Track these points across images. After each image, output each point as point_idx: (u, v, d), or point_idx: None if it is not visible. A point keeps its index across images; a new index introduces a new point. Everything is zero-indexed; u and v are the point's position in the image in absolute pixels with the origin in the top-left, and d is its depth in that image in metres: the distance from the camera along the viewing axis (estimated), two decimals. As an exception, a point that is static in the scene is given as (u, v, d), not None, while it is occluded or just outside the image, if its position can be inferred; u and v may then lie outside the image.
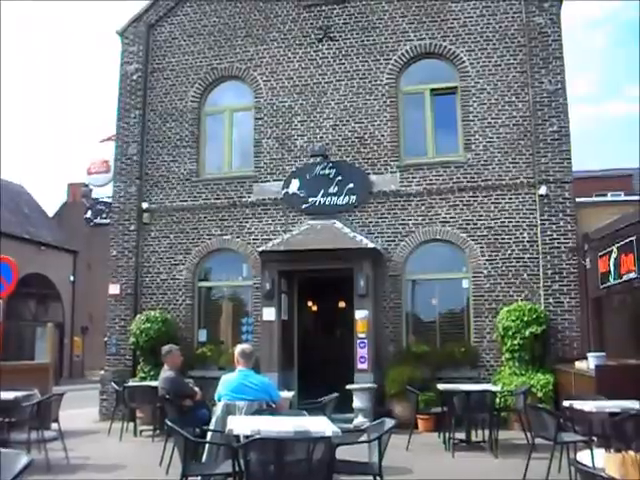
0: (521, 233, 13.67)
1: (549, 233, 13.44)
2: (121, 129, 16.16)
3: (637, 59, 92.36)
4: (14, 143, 79.88)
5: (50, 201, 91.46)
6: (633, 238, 11.17)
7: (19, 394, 9.69)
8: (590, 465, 4.55)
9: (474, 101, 14.28)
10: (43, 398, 9.68)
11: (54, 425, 9.77)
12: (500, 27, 14.40)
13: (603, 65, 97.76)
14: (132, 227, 15.66)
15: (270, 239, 14.58)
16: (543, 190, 13.49)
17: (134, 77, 16.26)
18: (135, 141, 15.96)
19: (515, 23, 14.33)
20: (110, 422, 12.77)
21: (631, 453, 3.99)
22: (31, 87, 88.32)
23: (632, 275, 11.25)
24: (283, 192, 14.85)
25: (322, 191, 14.58)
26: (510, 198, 13.81)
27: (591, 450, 6.57)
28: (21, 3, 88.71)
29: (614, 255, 12.09)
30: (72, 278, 36.25)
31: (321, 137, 14.93)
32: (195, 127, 15.79)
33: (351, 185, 14.46)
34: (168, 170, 15.77)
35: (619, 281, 11.90)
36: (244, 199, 15.18)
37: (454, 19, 14.65)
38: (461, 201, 14.05)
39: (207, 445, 7.14)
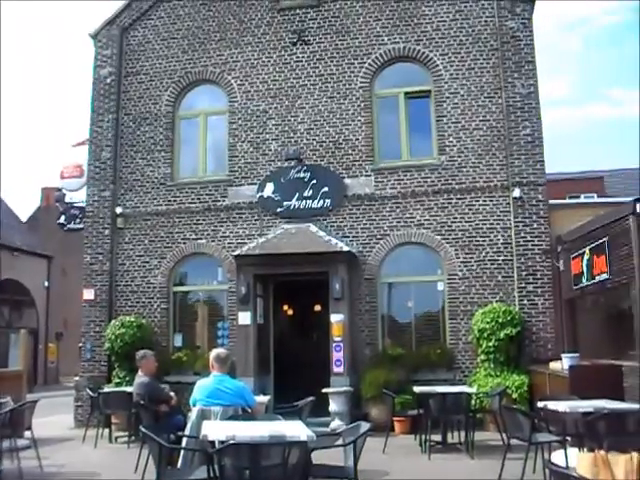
0: (495, 235, 13.75)
1: (523, 235, 13.54)
2: (95, 133, 16.04)
3: (615, 62, 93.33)
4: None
5: (23, 206, 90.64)
6: (605, 240, 11.27)
7: (-9, 402, 9.57)
8: (564, 465, 4.58)
9: (448, 104, 14.36)
10: (16, 406, 9.56)
11: (27, 433, 9.66)
12: (473, 31, 14.51)
13: (580, 68, 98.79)
14: (106, 232, 15.55)
15: (245, 243, 14.55)
16: (517, 193, 13.59)
17: (107, 81, 16.16)
18: (109, 145, 15.86)
19: (488, 27, 14.44)
20: (85, 429, 12.66)
21: (602, 453, 4.02)
22: (2, 90, 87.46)
23: (604, 276, 11.35)
24: (258, 196, 14.83)
25: (297, 195, 14.58)
26: (484, 201, 13.90)
27: (565, 450, 6.63)
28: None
29: (587, 257, 12.19)
30: (46, 283, 35.91)
31: (295, 141, 14.93)
32: (169, 131, 15.73)
33: (326, 189, 14.47)
34: (142, 174, 15.69)
35: (592, 282, 12.00)
36: (219, 203, 15.13)
37: (427, 23, 14.73)
38: (435, 204, 14.12)
39: (182, 451, 7.10)
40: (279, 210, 14.68)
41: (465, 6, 14.61)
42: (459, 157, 14.12)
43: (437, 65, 14.52)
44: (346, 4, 15.18)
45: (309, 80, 15.08)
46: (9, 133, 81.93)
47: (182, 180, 15.58)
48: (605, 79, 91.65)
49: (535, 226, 13.54)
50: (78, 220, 17.50)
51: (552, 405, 7.96)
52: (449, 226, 13.98)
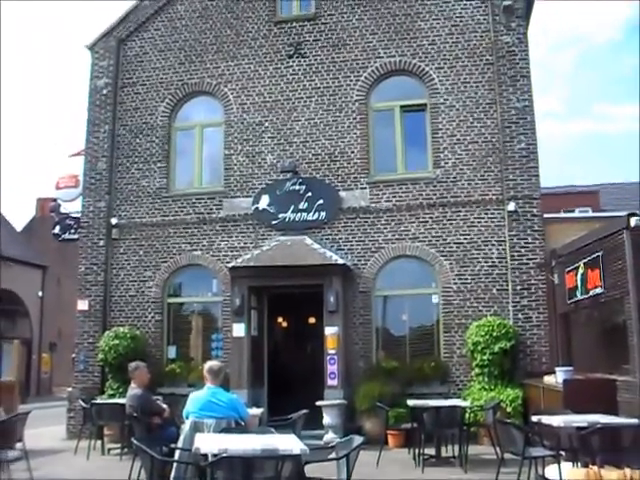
0: (490, 249, 13.77)
1: (517, 249, 13.56)
2: (90, 144, 16.04)
3: (605, 79, 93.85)
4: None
5: (18, 216, 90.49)
6: (599, 254, 11.29)
7: (-17, 413, 9.52)
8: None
9: (443, 118, 14.40)
10: (7, 417, 9.51)
11: (19, 445, 9.60)
12: (469, 45, 14.57)
13: (569, 85, 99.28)
14: (101, 242, 15.53)
15: (240, 255, 14.54)
16: (511, 206, 13.62)
17: (104, 92, 16.17)
18: (105, 156, 15.86)
19: (483, 42, 14.50)
20: (77, 440, 12.59)
21: (596, 468, 4.03)
22: None
23: (598, 290, 11.37)
24: (253, 208, 14.83)
25: (292, 207, 14.58)
26: (479, 214, 13.92)
27: (558, 465, 6.62)
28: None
29: (581, 271, 12.21)
30: (40, 294, 35.80)
31: (291, 153, 14.96)
32: (165, 142, 15.74)
33: (321, 201, 14.48)
34: (137, 185, 15.69)
35: (586, 296, 12.02)
36: (214, 215, 15.13)
37: (423, 37, 14.79)
38: (430, 217, 14.13)
39: (175, 464, 7.06)
40: (274, 222, 14.68)
41: (461, 21, 14.67)
42: (454, 170, 14.15)
43: (433, 79, 14.57)
44: (343, 17, 15.24)
45: (305, 93, 15.12)
46: (4, 143, 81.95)
47: (177, 191, 15.58)
48: (593, 95, 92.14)
49: (530, 240, 13.55)
50: (73, 230, 17.46)
51: (546, 419, 7.94)
52: (444, 239, 13.99)
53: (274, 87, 15.30)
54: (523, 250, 13.53)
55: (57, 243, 19.32)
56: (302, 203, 14.55)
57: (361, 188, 14.50)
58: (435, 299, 13.96)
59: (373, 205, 14.39)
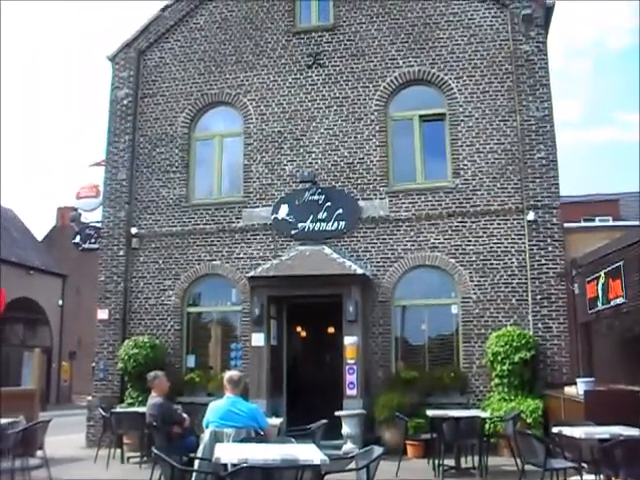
0: (509, 258, 13.70)
1: (537, 258, 13.49)
2: (111, 154, 16.16)
3: (623, 86, 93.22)
4: (2, 166, 79.83)
5: (39, 225, 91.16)
6: (620, 263, 11.21)
7: (4, 421, 9.59)
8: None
9: (462, 127, 14.37)
10: (28, 425, 9.57)
11: (39, 452, 9.66)
12: (487, 54, 14.55)
13: (589, 92, 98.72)
14: (121, 252, 15.62)
15: (259, 264, 14.56)
16: (531, 216, 13.55)
17: (124, 102, 16.30)
18: (125, 166, 15.97)
19: (502, 50, 14.48)
20: (97, 449, 12.64)
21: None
22: (20, 109, 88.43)
23: (620, 300, 11.27)
24: (272, 218, 14.86)
25: (311, 217, 14.60)
26: (498, 224, 13.86)
27: (580, 477, 6.56)
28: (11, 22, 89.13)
29: (602, 280, 12.11)
30: (61, 302, 36.03)
31: (310, 163, 14.98)
32: (185, 152, 15.82)
33: (340, 211, 14.49)
34: (157, 195, 15.77)
35: (607, 306, 11.92)
36: (233, 224, 15.18)
37: (442, 46, 14.79)
38: (450, 227, 14.09)
39: (194, 473, 7.07)
40: (293, 232, 14.71)
41: (480, 30, 14.66)
42: (473, 180, 14.11)
43: (452, 88, 14.56)
44: (361, 27, 15.28)
45: (324, 103, 15.16)
46: (25, 152, 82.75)
47: (197, 201, 15.65)
48: (611, 103, 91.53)
49: (550, 249, 13.48)
50: (93, 240, 17.57)
51: (567, 431, 7.88)
52: (463, 249, 13.95)
53: (293, 97, 15.35)
54: (543, 260, 13.46)
55: (77, 252, 19.45)
56: (321, 213, 14.57)
57: (380, 198, 14.49)
58: (454, 309, 13.91)
59: (392, 215, 14.37)
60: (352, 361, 13.17)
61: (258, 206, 15.10)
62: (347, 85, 15.11)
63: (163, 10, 16.54)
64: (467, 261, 13.90)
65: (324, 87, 15.23)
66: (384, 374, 13.82)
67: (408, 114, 14.91)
